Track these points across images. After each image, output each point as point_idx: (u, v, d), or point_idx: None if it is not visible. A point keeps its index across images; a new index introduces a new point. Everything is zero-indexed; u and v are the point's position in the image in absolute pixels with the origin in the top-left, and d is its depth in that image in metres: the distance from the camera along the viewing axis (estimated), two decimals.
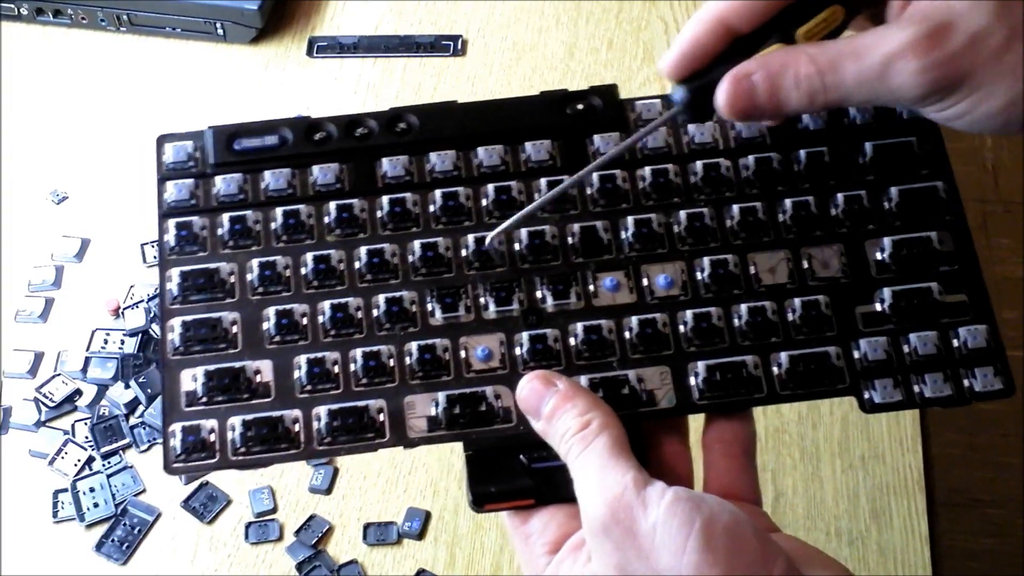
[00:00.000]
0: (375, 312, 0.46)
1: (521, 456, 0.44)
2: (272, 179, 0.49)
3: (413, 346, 0.46)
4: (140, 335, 0.74)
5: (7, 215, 0.80)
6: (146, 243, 0.78)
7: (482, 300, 0.47)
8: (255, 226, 0.48)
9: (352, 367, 0.45)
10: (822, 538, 0.68)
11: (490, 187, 0.48)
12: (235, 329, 0.46)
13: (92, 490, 0.68)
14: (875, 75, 0.41)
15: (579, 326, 0.46)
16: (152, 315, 0.74)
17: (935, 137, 0.50)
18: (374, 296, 0.47)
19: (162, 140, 0.50)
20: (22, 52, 0.89)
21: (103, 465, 0.69)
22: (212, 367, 0.45)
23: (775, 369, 0.46)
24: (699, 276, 0.47)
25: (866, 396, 0.46)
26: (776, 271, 0.47)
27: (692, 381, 0.45)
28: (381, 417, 0.45)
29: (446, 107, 0.50)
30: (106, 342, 0.74)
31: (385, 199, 0.48)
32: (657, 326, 0.46)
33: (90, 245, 0.79)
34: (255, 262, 0.47)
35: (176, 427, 0.44)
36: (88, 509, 0.68)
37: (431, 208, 0.48)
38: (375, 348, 0.45)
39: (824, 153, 0.49)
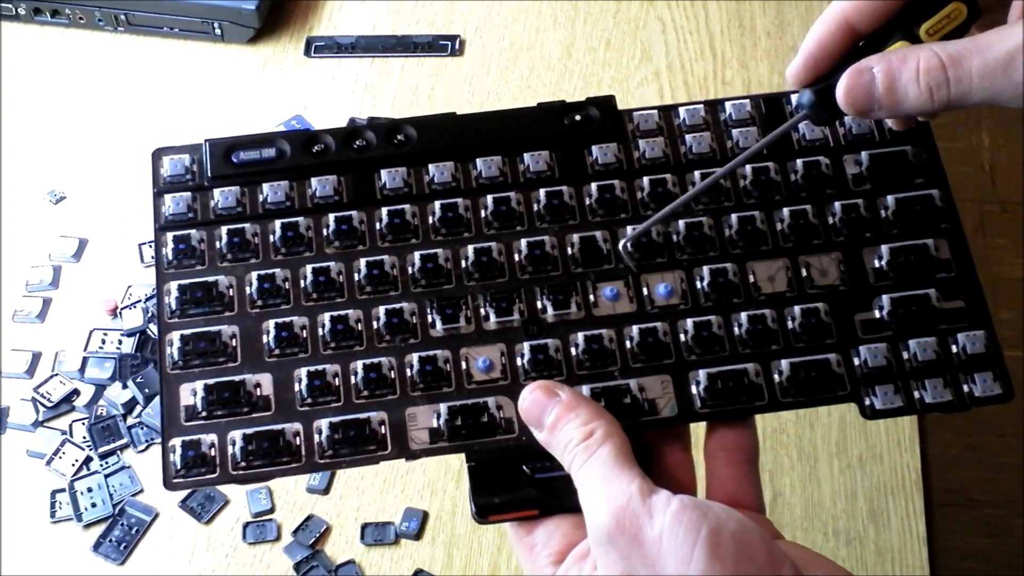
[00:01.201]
0: (375, 324, 0.46)
1: (524, 467, 0.44)
2: (270, 191, 0.48)
3: (414, 357, 0.45)
4: (138, 335, 0.74)
5: (5, 215, 0.80)
6: (144, 243, 0.78)
7: (482, 311, 0.47)
8: (253, 239, 0.47)
9: (353, 379, 0.45)
10: (820, 538, 0.68)
11: (489, 198, 0.48)
12: (234, 343, 0.46)
13: (90, 490, 0.68)
14: (1000, 68, 0.41)
15: (580, 336, 0.46)
16: (150, 315, 0.74)
17: (930, 146, 0.50)
18: (374, 308, 0.46)
19: (159, 153, 0.49)
20: (20, 52, 0.89)
21: (101, 465, 0.69)
22: (212, 381, 0.45)
23: (776, 376, 0.46)
24: (699, 285, 0.47)
25: (867, 402, 0.46)
26: (775, 280, 0.47)
27: (693, 389, 0.46)
28: (383, 429, 0.44)
29: (444, 119, 0.50)
30: (104, 342, 0.74)
31: (384, 211, 0.48)
32: (658, 335, 0.46)
33: (88, 245, 0.79)
34: (254, 275, 0.47)
35: (176, 442, 0.44)
36: (86, 509, 0.68)
37: (430, 219, 0.48)
38: (376, 360, 0.45)
39: (820, 163, 0.49)
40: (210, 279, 0.46)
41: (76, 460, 0.69)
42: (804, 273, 0.48)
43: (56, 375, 0.73)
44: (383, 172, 0.49)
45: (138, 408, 0.71)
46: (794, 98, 0.45)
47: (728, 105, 0.51)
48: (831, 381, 0.46)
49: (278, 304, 0.46)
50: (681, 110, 0.50)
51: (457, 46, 0.89)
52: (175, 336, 0.45)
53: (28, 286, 0.77)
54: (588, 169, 0.49)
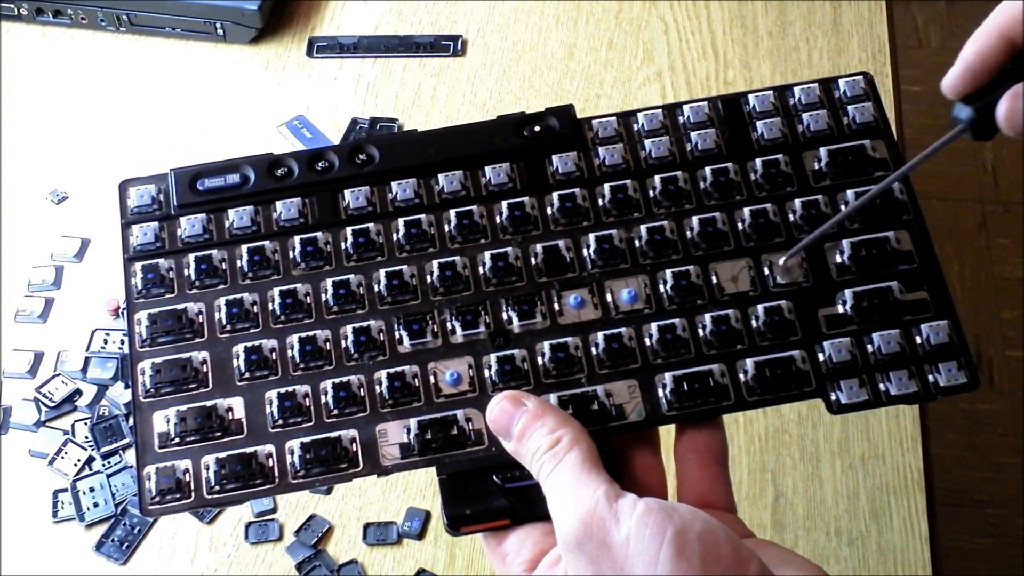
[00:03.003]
0: (343, 343, 0.47)
1: (495, 477, 0.44)
2: (236, 217, 0.49)
3: (383, 374, 0.46)
4: None
5: (7, 215, 0.80)
6: None
7: (449, 325, 0.47)
8: (221, 265, 0.48)
9: (323, 399, 0.46)
10: (822, 538, 0.68)
11: (452, 213, 0.49)
12: (205, 368, 0.46)
13: (92, 490, 0.68)
14: None
15: (546, 345, 0.47)
16: None
17: (888, 139, 0.51)
18: (342, 327, 0.47)
19: (125, 185, 0.50)
20: (22, 52, 0.89)
21: (103, 465, 0.69)
22: (184, 407, 0.45)
23: (742, 376, 0.46)
24: (662, 289, 0.48)
25: (832, 397, 0.46)
26: (738, 279, 0.48)
27: (660, 393, 0.46)
28: (354, 447, 0.45)
29: (405, 136, 0.51)
30: (106, 342, 0.74)
31: (349, 230, 0.49)
32: (623, 340, 0.47)
33: (90, 245, 0.79)
34: (222, 300, 0.47)
35: (151, 469, 0.44)
36: (88, 509, 0.68)
37: (395, 237, 0.49)
38: (345, 379, 0.46)
39: (780, 161, 0.50)
40: (179, 307, 0.47)
41: (78, 460, 0.70)
42: (767, 272, 0.48)
43: (58, 375, 0.73)
44: (347, 192, 0.49)
45: None
46: (954, 109, 0.44)
47: (687, 108, 0.51)
48: (796, 378, 0.46)
49: (247, 328, 0.47)
50: (640, 115, 0.51)
51: (459, 46, 0.89)
52: (147, 364, 0.46)
53: (30, 286, 0.77)
54: (549, 179, 0.50)
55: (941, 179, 1.69)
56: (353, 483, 0.68)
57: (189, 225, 0.49)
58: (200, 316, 0.47)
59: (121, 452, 0.70)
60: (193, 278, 0.48)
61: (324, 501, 0.68)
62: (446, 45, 0.89)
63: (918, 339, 0.47)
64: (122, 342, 0.74)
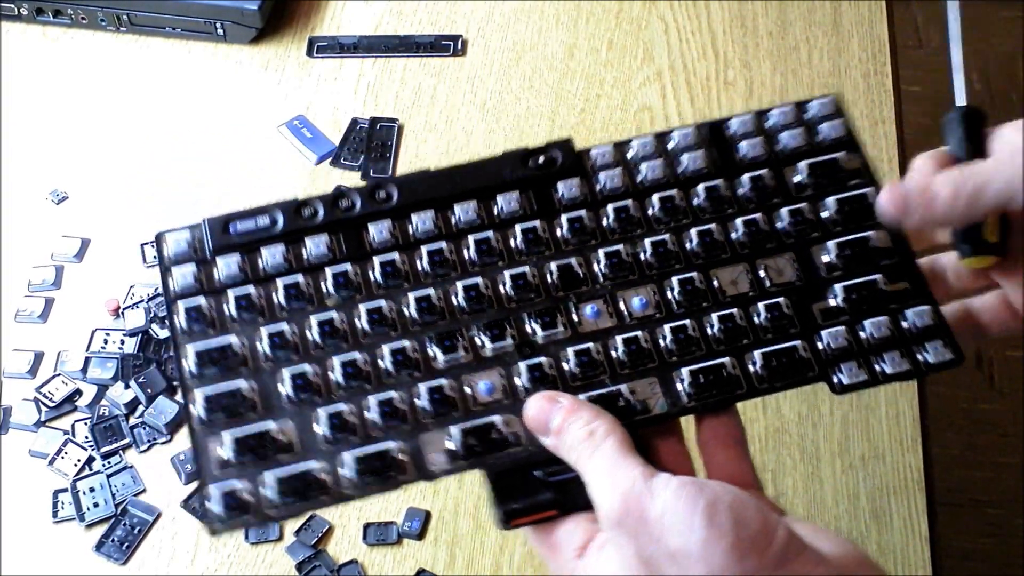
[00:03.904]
0: (381, 363, 0.50)
1: (537, 472, 0.47)
2: (269, 256, 0.52)
3: (422, 389, 0.49)
4: (140, 335, 0.74)
5: (7, 215, 0.80)
6: (146, 243, 0.78)
7: (478, 340, 0.50)
8: (259, 300, 0.51)
9: (368, 415, 0.48)
10: None
11: (470, 239, 0.52)
12: (254, 395, 0.49)
13: (92, 490, 0.68)
14: None
15: (570, 351, 0.50)
16: (152, 315, 0.74)
17: (858, 151, 0.55)
18: (378, 349, 0.50)
19: (161, 236, 0.53)
20: (22, 52, 0.89)
21: (103, 465, 0.69)
22: (239, 433, 0.48)
23: (751, 367, 0.50)
24: (670, 295, 0.52)
25: (835, 380, 0.50)
26: (738, 283, 0.52)
27: (679, 387, 0.49)
28: (402, 456, 0.48)
29: (420, 175, 0.54)
30: (106, 342, 0.74)
31: (376, 261, 0.52)
32: (640, 343, 0.50)
33: (90, 245, 0.79)
34: (264, 331, 0.50)
35: (213, 490, 0.47)
36: (88, 509, 0.68)
37: (419, 265, 0.52)
38: (387, 395, 0.49)
39: (764, 176, 0.54)
40: (223, 341, 0.50)
41: (78, 460, 0.70)
42: (763, 274, 0.52)
43: (58, 375, 0.73)
44: (370, 226, 0.53)
45: (140, 408, 0.71)
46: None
47: (675, 134, 0.55)
48: (800, 365, 0.50)
49: (289, 356, 0.50)
50: (633, 142, 0.55)
51: (459, 46, 0.89)
52: (199, 395, 0.49)
53: (30, 286, 0.77)
54: (556, 204, 0.54)
55: None
56: None
57: (225, 266, 0.52)
58: (244, 348, 0.50)
59: (121, 452, 0.70)
60: (234, 314, 0.51)
61: None
62: (446, 45, 0.89)
63: (905, 324, 0.51)
64: (122, 342, 0.74)
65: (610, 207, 0.53)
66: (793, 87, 0.86)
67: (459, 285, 0.51)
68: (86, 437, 0.70)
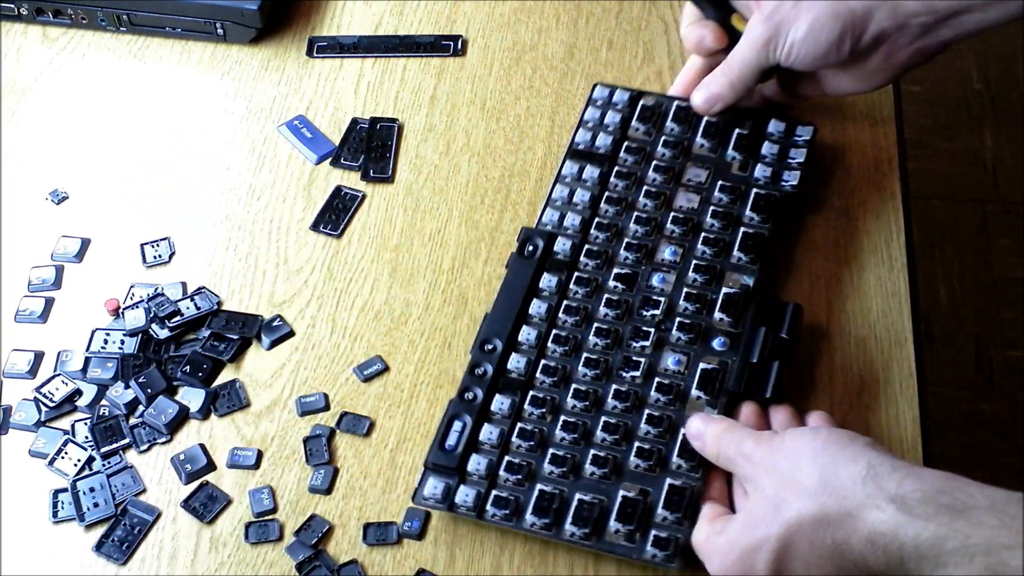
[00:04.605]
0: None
1: None
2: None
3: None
4: (140, 335, 0.74)
5: (7, 215, 0.81)
6: (146, 243, 0.79)
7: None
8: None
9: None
10: None
11: None
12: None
13: (92, 490, 0.68)
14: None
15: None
16: (152, 315, 0.74)
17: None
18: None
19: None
20: (22, 52, 0.89)
21: (103, 465, 0.69)
22: None
23: None
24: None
25: None
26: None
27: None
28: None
29: None
30: (106, 342, 0.74)
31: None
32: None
33: (90, 245, 0.79)
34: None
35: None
36: (88, 509, 0.68)
37: None
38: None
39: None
40: None
41: (78, 460, 0.69)
42: None
43: (58, 375, 0.73)
44: None
45: (140, 408, 0.71)
46: None
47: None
48: None
49: None
50: None
51: (460, 46, 0.89)
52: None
53: (30, 286, 0.77)
54: None
55: (941, 179, 1.69)
56: (353, 483, 0.69)
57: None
58: None
59: (121, 452, 0.70)
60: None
61: (324, 501, 0.68)
62: (446, 45, 0.89)
63: None
64: (122, 342, 0.74)
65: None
66: None
67: None
68: (86, 437, 0.70)
